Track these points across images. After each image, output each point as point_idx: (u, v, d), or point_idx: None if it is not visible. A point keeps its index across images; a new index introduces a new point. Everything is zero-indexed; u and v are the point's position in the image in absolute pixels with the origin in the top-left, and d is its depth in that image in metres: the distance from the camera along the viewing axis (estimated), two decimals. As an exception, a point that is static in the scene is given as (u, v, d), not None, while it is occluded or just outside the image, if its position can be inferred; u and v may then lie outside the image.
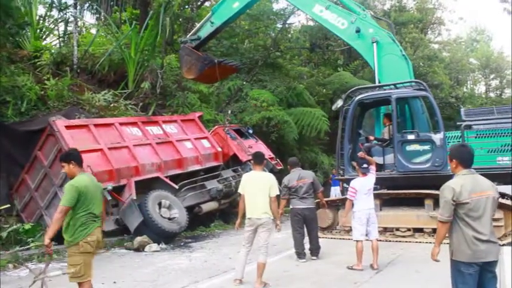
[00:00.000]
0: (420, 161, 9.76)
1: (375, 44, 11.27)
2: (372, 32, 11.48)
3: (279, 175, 11.14)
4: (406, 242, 9.28)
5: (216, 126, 14.75)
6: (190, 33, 14.20)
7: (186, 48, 13.35)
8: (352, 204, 7.36)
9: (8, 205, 9.93)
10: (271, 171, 12.77)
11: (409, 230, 9.49)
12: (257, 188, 6.28)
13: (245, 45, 21.78)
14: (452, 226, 3.94)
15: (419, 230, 9.43)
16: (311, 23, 27.65)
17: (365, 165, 7.57)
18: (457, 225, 3.91)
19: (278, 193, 6.57)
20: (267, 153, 14.61)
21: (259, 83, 20.46)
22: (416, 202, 9.60)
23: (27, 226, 9.28)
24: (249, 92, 18.77)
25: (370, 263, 7.21)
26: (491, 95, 43.04)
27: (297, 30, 27.68)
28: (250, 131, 15.49)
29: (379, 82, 11.22)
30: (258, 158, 6.69)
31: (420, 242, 9.10)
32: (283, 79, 20.79)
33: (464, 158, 4.02)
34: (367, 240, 7.34)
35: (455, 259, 3.92)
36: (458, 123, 10.59)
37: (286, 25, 24.28)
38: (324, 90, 22.53)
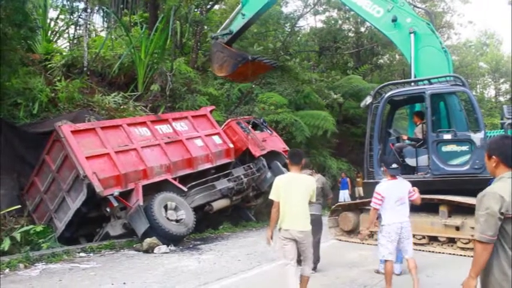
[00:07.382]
0: (458, 163, 8.92)
1: (412, 34, 10.33)
2: (410, 21, 10.51)
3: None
4: (420, 250, 8.44)
5: (230, 120, 14.23)
6: (221, 28, 13.47)
7: (218, 44, 12.60)
8: (379, 215, 6.06)
9: (19, 206, 10.02)
10: (285, 165, 12.59)
11: (424, 237, 8.84)
12: (297, 194, 5.23)
13: (254, 48, 21.82)
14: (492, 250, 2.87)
15: (435, 238, 8.80)
16: (320, 25, 27.71)
17: (394, 165, 6.17)
18: (500, 249, 2.84)
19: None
20: (282, 146, 14.34)
21: (268, 85, 20.48)
22: (435, 208, 8.80)
23: (38, 228, 9.30)
24: (259, 94, 18.80)
25: None
26: (501, 99, 42.76)
27: (306, 34, 27.70)
28: (265, 123, 14.91)
29: (415, 77, 10.34)
30: (295, 157, 5.48)
31: (432, 252, 8.60)
32: (291, 82, 20.79)
33: (509, 153, 2.95)
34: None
35: None
36: (501, 121, 9.71)
37: (295, 28, 24.30)
38: (335, 96, 22.37)
